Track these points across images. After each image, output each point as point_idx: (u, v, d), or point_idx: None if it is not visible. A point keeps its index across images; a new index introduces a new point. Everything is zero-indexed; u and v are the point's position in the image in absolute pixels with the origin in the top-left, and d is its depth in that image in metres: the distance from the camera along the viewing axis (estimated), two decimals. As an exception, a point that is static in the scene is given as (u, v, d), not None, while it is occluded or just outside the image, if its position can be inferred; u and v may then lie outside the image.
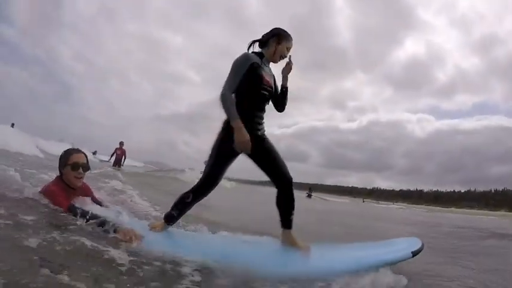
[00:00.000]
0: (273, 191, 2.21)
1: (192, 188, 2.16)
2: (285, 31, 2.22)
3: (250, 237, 2.38)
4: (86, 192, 2.57)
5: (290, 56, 2.24)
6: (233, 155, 2.13)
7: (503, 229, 6.62)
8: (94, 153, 13.72)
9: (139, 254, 1.83)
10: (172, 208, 2.17)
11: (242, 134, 1.99)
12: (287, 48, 2.19)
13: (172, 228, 2.24)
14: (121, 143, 13.33)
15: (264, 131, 2.20)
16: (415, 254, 2.23)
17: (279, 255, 2.09)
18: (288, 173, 2.16)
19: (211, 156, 2.14)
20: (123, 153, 13.25)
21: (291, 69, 2.25)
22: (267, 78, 2.16)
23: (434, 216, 15.41)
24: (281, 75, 2.27)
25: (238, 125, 1.99)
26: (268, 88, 2.16)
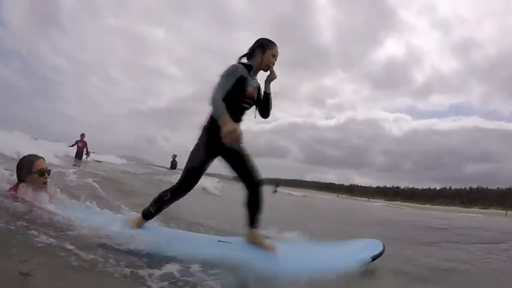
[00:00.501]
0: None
1: (172, 187, 2.28)
2: (268, 40, 2.34)
3: (225, 237, 2.49)
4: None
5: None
6: (213, 156, 2.27)
7: (463, 228, 6.89)
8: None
9: (114, 250, 1.93)
10: (151, 205, 2.28)
11: (230, 125, 2.03)
12: (273, 56, 2.31)
13: (149, 224, 2.35)
14: (82, 135, 13.21)
15: None
16: (374, 258, 2.35)
17: (249, 254, 2.20)
18: (258, 175, 2.30)
19: (193, 157, 2.25)
20: (85, 145, 13.12)
21: (273, 78, 2.35)
22: (251, 90, 2.28)
23: (399, 212, 15.95)
24: (264, 82, 2.36)
25: (224, 117, 2.05)
26: (250, 101, 2.30)
